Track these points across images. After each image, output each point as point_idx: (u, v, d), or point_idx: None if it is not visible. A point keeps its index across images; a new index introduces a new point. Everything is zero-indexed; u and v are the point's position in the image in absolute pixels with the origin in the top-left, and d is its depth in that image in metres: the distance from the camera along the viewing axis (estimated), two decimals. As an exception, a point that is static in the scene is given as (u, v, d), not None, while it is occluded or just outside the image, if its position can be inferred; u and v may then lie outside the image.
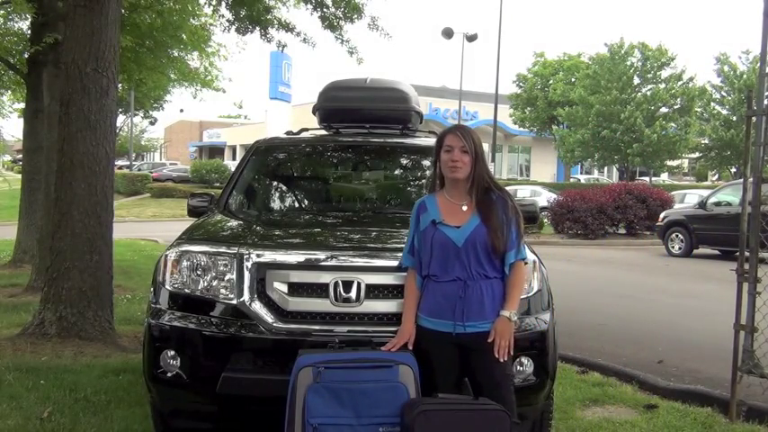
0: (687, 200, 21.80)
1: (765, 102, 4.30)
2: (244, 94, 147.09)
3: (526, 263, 2.94)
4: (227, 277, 3.13)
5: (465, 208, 2.86)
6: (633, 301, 9.17)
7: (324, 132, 5.08)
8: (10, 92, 13.75)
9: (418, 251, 2.89)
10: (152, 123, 54.45)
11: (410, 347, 2.83)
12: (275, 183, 4.84)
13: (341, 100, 4.94)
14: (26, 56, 9.89)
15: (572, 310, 7.58)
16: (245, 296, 3.08)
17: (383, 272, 3.09)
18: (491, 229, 2.78)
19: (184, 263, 3.22)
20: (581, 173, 47.98)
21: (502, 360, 2.75)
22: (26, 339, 5.50)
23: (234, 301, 3.09)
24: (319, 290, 3.05)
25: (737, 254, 4.35)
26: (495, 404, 2.63)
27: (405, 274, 3.00)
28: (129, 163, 45.84)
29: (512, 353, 2.78)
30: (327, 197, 4.78)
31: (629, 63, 34.21)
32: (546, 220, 19.52)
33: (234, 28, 9.32)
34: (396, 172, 4.96)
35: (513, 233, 2.83)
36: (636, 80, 34.59)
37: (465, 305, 2.76)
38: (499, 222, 2.81)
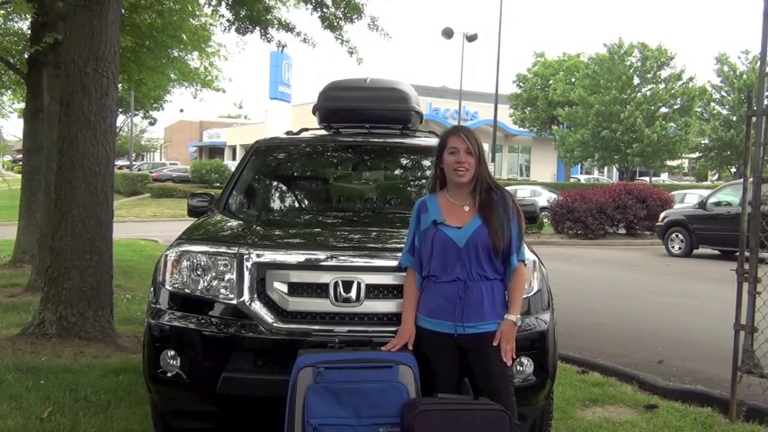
0: (687, 200, 21.81)
1: (765, 102, 4.30)
2: (244, 94, 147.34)
3: (526, 264, 2.95)
4: (227, 277, 3.14)
5: (467, 209, 2.85)
6: (633, 301, 9.17)
7: (324, 132, 5.08)
8: (10, 92, 13.75)
9: (419, 251, 2.89)
10: (152, 123, 54.52)
11: (410, 347, 2.84)
12: (275, 183, 4.84)
13: (341, 100, 4.94)
14: (26, 56, 9.89)
15: (572, 310, 7.59)
16: (245, 296, 3.08)
17: (383, 272, 3.09)
18: (492, 230, 2.78)
19: (184, 263, 3.22)
20: (581, 173, 47.98)
21: (508, 363, 2.78)
22: (26, 339, 5.50)
23: (234, 301, 3.09)
24: (319, 290, 3.06)
25: (737, 254, 4.35)
26: (496, 404, 2.63)
27: (405, 274, 3.00)
28: (129, 163, 45.84)
29: (515, 356, 2.81)
30: (327, 197, 4.78)
31: (628, 63, 34.22)
32: (546, 220, 19.52)
33: (234, 28, 9.32)
34: (396, 172, 4.96)
35: (514, 234, 2.83)
36: (636, 80, 34.60)
37: (464, 306, 2.76)
38: (500, 222, 2.80)
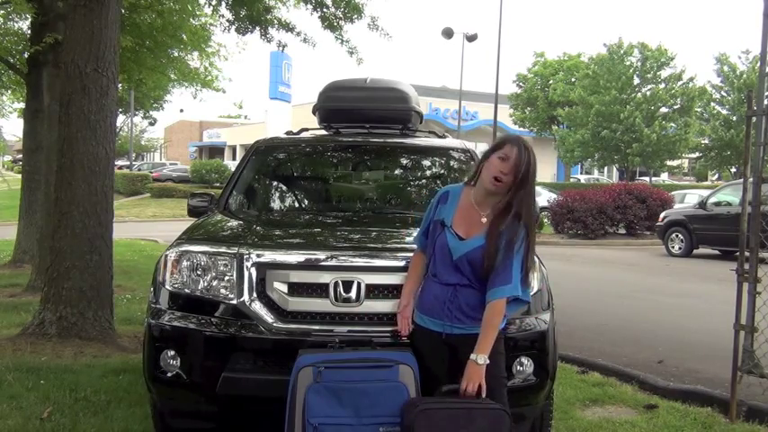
0: (687, 200, 21.79)
1: (765, 102, 4.30)
2: (244, 94, 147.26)
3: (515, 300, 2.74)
4: (227, 277, 3.14)
5: (484, 220, 2.76)
6: (633, 301, 9.17)
7: (324, 132, 5.08)
8: (10, 92, 13.75)
9: (431, 235, 2.87)
10: (152, 124, 54.48)
11: (408, 326, 2.88)
12: (275, 183, 4.84)
13: (341, 100, 4.94)
14: (26, 56, 9.89)
15: (572, 310, 7.59)
16: (245, 296, 3.08)
17: (383, 272, 3.09)
18: (488, 254, 2.67)
19: (184, 263, 3.22)
20: (581, 173, 47.96)
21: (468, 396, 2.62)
22: (26, 339, 5.50)
23: (234, 301, 3.09)
24: (319, 290, 3.06)
25: (737, 254, 4.35)
26: (496, 404, 2.63)
27: (404, 273, 3.00)
28: (129, 163, 45.82)
29: (484, 394, 2.62)
30: (327, 197, 4.78)
31: (628, 63, 34.21)
32: (546, 220, 19.52)
33: (234, 28, 9.33)
34: (395, 172, 4.96)
35: (513, 267, 2.66)
36: (636, 80, 34.60)
37: (453, 309, 2.74)
38: (500, 247, 2.67)
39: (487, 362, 2.64)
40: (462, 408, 2.59)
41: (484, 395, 2.62)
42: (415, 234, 3.11)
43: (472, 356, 2.63)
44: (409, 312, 2.90)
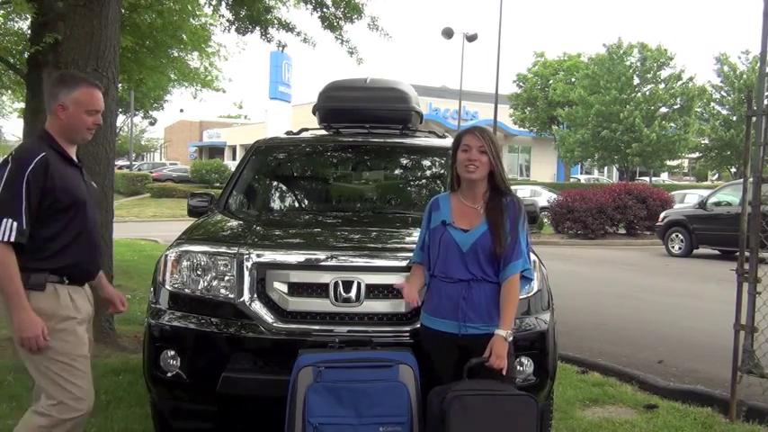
0: (687, 200, 21.80)
1: (765, 102, 4.30)
2: (244, 94, 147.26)
3: (531, 278, 2.90)
4: (227, 277, 3.14)
5: (481, 210, 2.84)
6: (633, 301, 9.17)
7: (324, 132, 5.08)
8: (10, 92, 13.73)
9: (428, 248, 2.89)
10: (152, 123, 54.49)
11: (417, 300, 2.85)
12: (275, 183, 4.84)
13: (341, 100, 4.94)
14: (26, 56, 9.87)
15: (572, 310, 7.58)
16: (245, 296, 3.08)
17: (383, 272, 3.10)
18: (496, 235, 2.76)
19: (184, 263, 3.22)
20: (581, 173, 47.97)
21: (502, 371, 2.70)
22: (26, 339, 5.49)
23: (234, 301, 3.09)
24: (319, 290, 3.06)
25: (737, 254, 4.35)
26: (523, 392, 2.68)
27: (405, 273, 3.00)
28: (129, 163, 45.82)
29: (504, 372, 2.69)
30: (327, 197, 4.78)
31: (628, 63, 34.23)
32: (546, 220, 19.53)
33: (234, 28, 9.31)
34: (395, 172, 4.96)
35: (520, 242, 2.80)
36: (635, 80, 34.62)
37: (467, 307, 2.76)
38: (505, 229, 2.78)
39: (512, 337, 2.73)
40: (495, 393, 2.62)
41: (504, 372, 2.67)
42: (415, 234, 3.11)
43: (499, 332, 2.70)
44: (415, 289, 2.86)
